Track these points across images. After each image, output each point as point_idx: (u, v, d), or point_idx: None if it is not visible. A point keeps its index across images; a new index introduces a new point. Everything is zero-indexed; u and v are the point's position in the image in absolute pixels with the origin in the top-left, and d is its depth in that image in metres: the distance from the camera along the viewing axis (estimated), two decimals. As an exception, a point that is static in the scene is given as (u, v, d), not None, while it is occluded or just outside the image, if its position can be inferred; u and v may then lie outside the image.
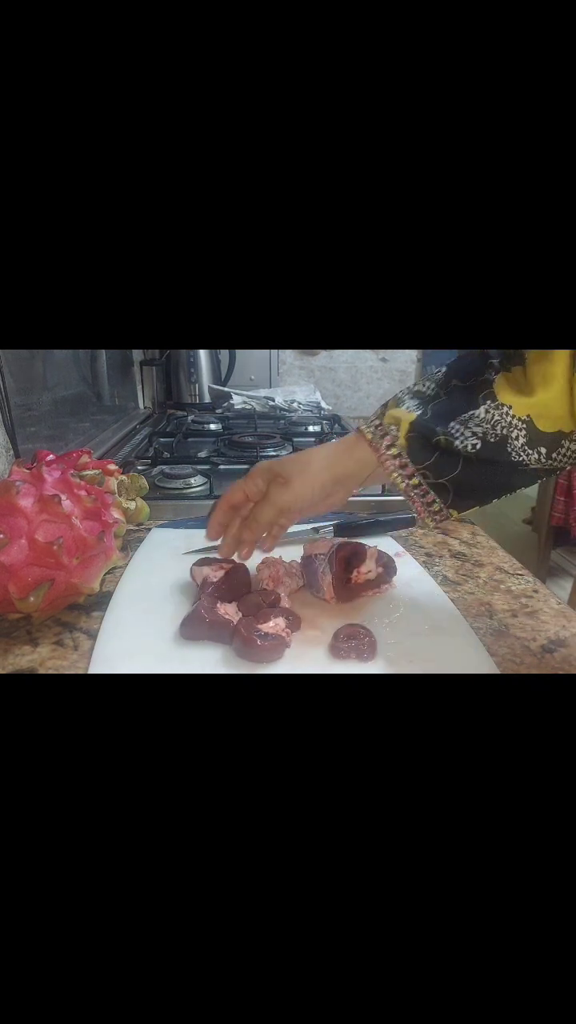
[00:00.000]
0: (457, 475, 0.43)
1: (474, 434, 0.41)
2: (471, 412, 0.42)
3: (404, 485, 0.45)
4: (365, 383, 2.18)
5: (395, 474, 0.45)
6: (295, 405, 1.45)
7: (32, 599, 0.44)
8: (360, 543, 0.52)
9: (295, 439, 1.07)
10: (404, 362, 2.17)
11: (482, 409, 0.41)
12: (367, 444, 0.46)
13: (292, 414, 1.37)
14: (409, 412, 0.44)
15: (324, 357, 2.13)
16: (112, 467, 0.57)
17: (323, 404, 1.53)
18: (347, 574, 0.51)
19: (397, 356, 2.15)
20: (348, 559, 0.51)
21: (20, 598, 0.44)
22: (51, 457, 0.54)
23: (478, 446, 0.41)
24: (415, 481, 0.44)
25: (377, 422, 0.46)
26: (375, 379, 2.18)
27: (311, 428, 1.25)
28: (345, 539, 0.53)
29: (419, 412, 0.44)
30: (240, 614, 0.46)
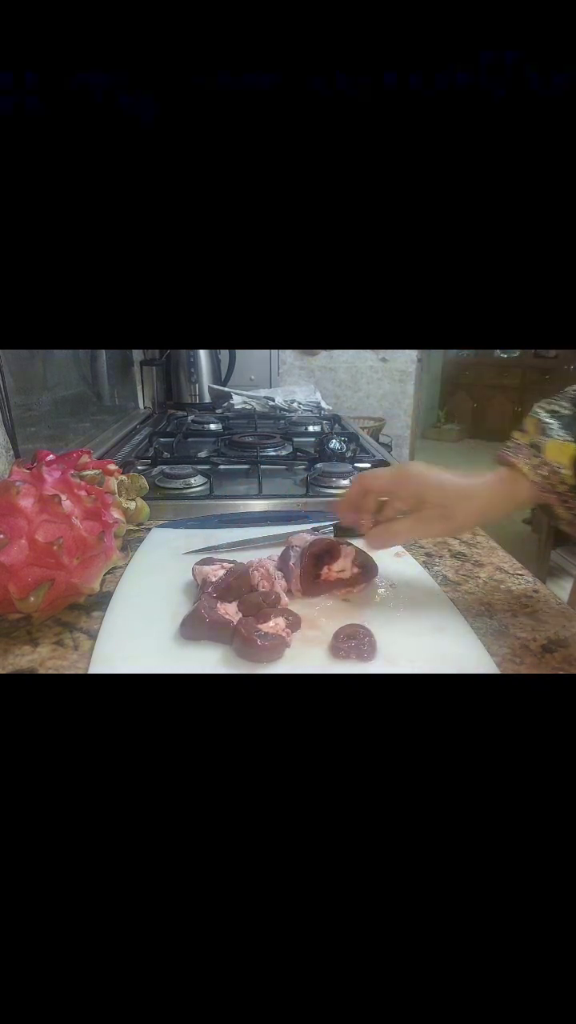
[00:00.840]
0: None
1: None
2: None
3: (570, 516, 0.46)
4: (365, 383, 2.18)
5: (559, 508, 0.46)
6: (295, 405, 1.45)
7: (32, 599, 0.44)
8: (335, 541, 0.52)
9: (295, 439, 1.07)
10: (404, 362, 2.17)
11: None
12: (529, 483, 0.46)
13: (292, 414, 1.37)
14: (566, 443, 0.45)
15: (324, 357, 2.13)
16: (112, 467, 0.57)
17: (323, 404, 1.53)
18: (316, 570, 0.51)
19: (397, 356, 2.15)
20: (319, 555, 0.51)
21: (20, 598, 0.44)
22: (51, 457, 0.54)
23: None
24: None
25: (537, 459, 0.46)
26: (375, 379, 2.18)
27: (311, 428, 1.25)
28: (322, 536, 0.53)
29: (572, 440, 0.45)
30: (240, 614, 0.46)
